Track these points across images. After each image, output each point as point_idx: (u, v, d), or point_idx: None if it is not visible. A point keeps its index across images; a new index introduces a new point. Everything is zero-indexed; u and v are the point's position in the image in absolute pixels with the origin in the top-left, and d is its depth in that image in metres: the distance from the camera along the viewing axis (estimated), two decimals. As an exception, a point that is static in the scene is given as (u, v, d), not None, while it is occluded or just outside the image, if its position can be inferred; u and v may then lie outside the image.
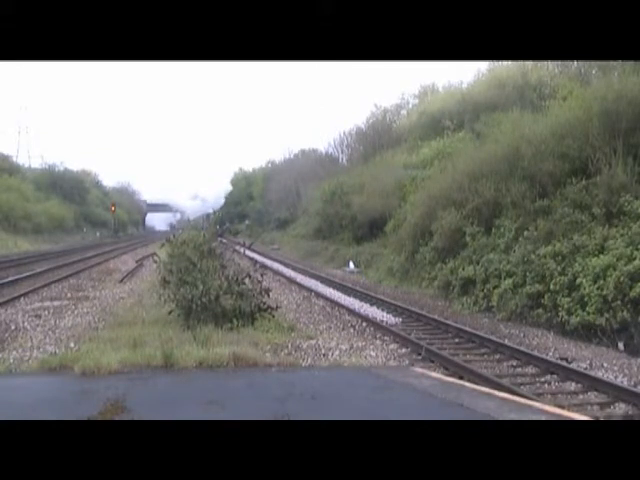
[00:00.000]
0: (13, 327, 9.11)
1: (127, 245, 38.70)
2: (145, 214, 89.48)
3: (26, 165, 54.73)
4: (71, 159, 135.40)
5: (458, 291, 13.43)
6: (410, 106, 35.54)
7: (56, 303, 11.65)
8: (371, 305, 12.56)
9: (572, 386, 6.89)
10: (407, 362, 7.80)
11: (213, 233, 11.04)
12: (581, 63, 18.94)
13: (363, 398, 4.53)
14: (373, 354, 7.97)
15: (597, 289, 9.44)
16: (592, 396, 6.54)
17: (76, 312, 10.52)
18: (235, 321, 7.98)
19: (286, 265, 23.41)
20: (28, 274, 16.51)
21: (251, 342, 6.95)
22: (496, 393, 4.89)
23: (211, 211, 59.26)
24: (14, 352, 7.16)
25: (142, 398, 4.40)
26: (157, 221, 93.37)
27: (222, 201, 73.91)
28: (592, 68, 18.23)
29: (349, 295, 14.27)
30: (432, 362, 7.86)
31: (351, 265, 21.94)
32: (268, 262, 23.74)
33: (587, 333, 9.40)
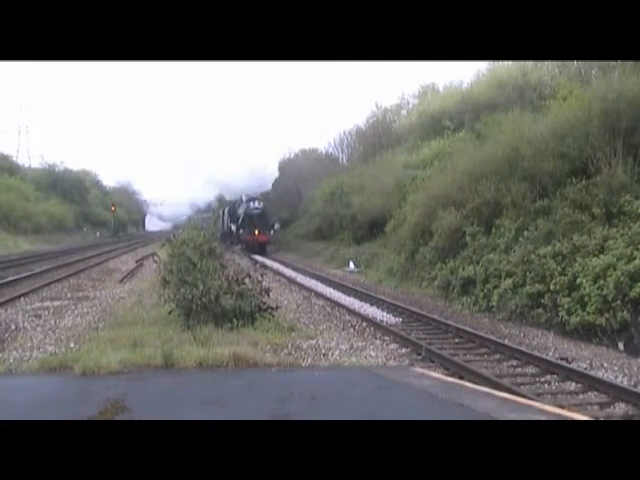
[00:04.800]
0: (13, 327, 9.10)
1: (127, 245, 38.69)
2: (145, 214, 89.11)
3: (26, 165, 54.53)
4: (71, 159, 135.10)
5: (458, 291, 13.43)
6: (410, 106, 35.49)
7: (56, 303, 11.64)
8: (371, 305, 12.55)
9: (572, 386, 6.89)
10: (407, 362, 7.80)
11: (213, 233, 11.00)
12: (581, 63, 18.93)
13: (363, 398, 4.53)
14: (373, 354, 7.97)
15: (597, 289, 9.43)
16: (592, 396, 6.54)
17: (76, 312, 10.51)
18: (235, 321, 7.97)
19: (286, 265, 23.40)
20: (28, 274, 16.50)
21: (251, 342, 6.94)
22: (496, 393, 4.89)
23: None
24: (14, 352, 7.15)
25: (142, 398, 4.40)
26: (152, 222, 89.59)
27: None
28: (592, 68, 18.21)
29: (349, 295, 14.27)
30: (432, 362, 7.86)
31: (351, 265, 21.93)
32: (268, 262, 23.73)
33: (587, 333, 9.39)
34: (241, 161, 37.59)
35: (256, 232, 30.24)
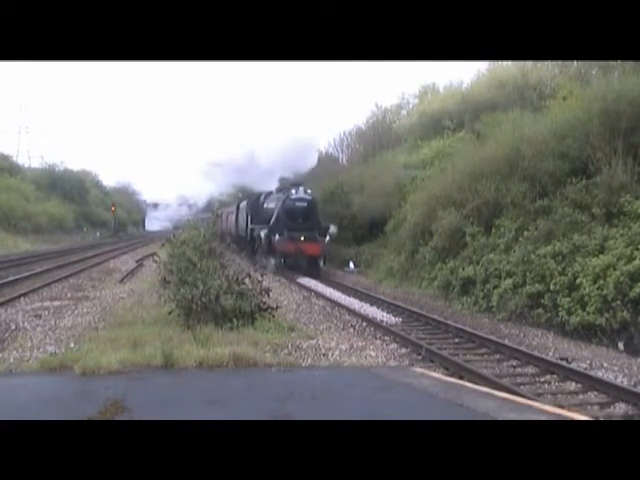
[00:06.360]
0: (13, 327, 9.09)
1: (127, 245, 38.69)
2: (145, 214, 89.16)
3: (26, 165, 54.66)
4: (71, 159, 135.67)
5: (458, 291, 13.43)
6: (410, 106, 35.52)
7: (56, 303, 11.64)
8: (371, 305, 12.56)
9: (572, 386, 6.89)
10: (407, 362, 7.80)
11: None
12: (581, 63, 18.95)
13: (363, 398, 4.53)
14: (373, 354, 7.96)
15: (597, 289, 9.44)
16: (592, 396, 6.54)
17: (76, 312, 10.51)
18: (235, 321, 7.97)
19: (286, 265, 23.32)
20: (28, 274, 16.50)
21: (251, 342, 6.94)
22: (496, 393, 4.89)
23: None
24: (14, 352, 7.15)
25: (142, 398, 4.40)
26: (152, 222, 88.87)
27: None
28: (592, 68, 18.23)
29: (349, 295, 14.27)
30: (432, 362, 7.86)
31: (351, 265, 21.91)
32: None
33: (587, 333, 9.40)
34: (244, 159, 32.92)
35: (302, 238, 18.81)
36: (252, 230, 23.01)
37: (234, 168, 34.66)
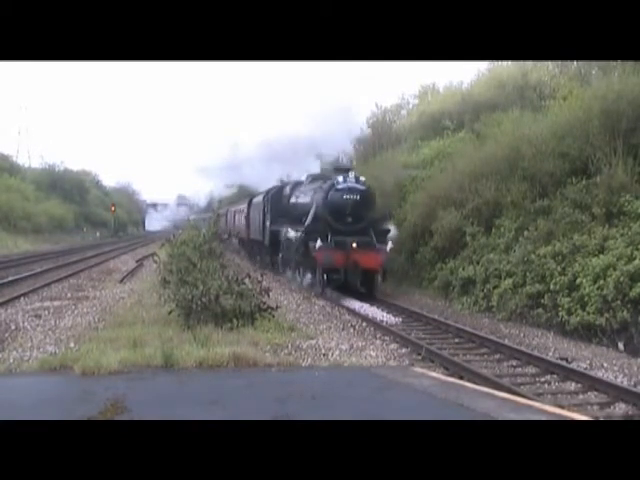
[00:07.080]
0: (13, 327, 9.10)
1: (127, 245, 38.69)
2: (145, 214, 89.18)
3: (26, 165, 54.74)
4: (71, 159, 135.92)
5: (458, 291, 13.43)
6: (410, 106, 35.46)
7: (56, 303, 11.64)
8: (371, 305, 12.55)
9: (572, 386, 6.89)
10: (407, 362, 7.80)
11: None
12: (581, 63, 18.90)
13: (363, 398, 4.53)
14: (373, 354, 7.96)
15: (597, 289, 9.43)
16: (592, 396, 6.54)
17: (76, 312, 10.51)
18: (235, 321, 7.98)
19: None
20: (28, 274, 16.52)
21: (251, 342, 6.94)
22: (496, 393, 4.89)
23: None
24: (14, 352, 7.15)
25: (142, 398, 4.40)
26: (151, 222, 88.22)
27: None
28: (592, 68, 18.19)
29: (349, 295, 14.25)
30: (432, 362, 7.86)
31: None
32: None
33: (587, 333, 9.39)
34: (244, 159, 30.87)
35: (354, 245, 13.46)
36: (273, 233, 17.78)
37: (234, 167, 34.66)
